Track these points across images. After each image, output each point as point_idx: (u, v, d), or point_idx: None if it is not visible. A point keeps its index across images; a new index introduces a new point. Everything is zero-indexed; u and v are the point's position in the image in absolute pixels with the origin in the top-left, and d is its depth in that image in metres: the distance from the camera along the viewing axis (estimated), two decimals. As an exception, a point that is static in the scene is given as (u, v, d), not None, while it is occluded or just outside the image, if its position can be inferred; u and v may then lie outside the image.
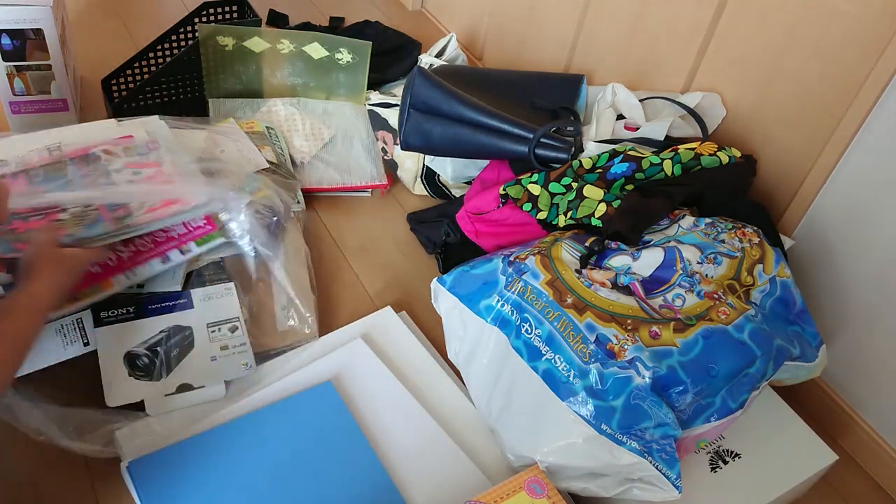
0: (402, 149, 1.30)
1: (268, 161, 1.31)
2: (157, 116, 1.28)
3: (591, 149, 1.18)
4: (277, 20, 1.89)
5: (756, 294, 0.98)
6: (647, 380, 0.87)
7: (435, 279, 1.08)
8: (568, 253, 1.01)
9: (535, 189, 1.11)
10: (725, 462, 0.98)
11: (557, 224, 1.11)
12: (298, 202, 1.34)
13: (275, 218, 1.22)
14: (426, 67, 1.39)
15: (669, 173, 1.11)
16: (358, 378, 1.06)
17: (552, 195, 1.10)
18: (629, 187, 1.11)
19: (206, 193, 1.08)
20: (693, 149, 1.14)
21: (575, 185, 1.09)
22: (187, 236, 1.08)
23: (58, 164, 1.05)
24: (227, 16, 1.61)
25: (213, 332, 1.06)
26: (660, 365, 0.87)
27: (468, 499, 0.87)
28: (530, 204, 1.11)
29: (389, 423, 1.01)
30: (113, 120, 1.29)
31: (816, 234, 1.13)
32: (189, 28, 1.54)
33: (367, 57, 1.50)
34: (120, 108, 1.43)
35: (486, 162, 1.30)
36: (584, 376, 0.89)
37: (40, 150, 1.17)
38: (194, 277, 1.12)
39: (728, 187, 1.13)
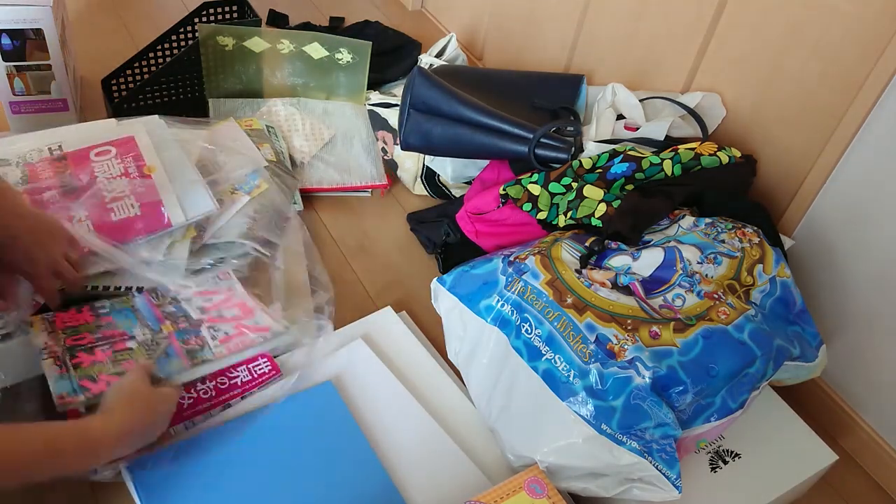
0: (402, 149, 1.30)
1: (267, 160, 1.31)
2: (156, 116, 1.29)
3: (591, 149, 1.18)
4: (277, 20, 1.89)
5: (756, 294, 0.98)
6: (647, 380, 0.87)
7: (435, 279, 1.08)
8: (568, 253, 1.01)
9: (535, 189, 1.11)
10: (725, 462, 0.98)
11: (557, 224, 1.11)
12: (295, 203, 1.34)
13: (274, 218, 1.22)
14: (426, 67, 1.39)
15: (669, 173, 1.11)
16: (358, 378, 1.06)
17: (552, 195, 1.10)
18: (629, 187, 1.11)
19: (281, 324, 1.05)
20: (693, 149, 1.14)
21: (575, 185, 1.09)
22: (251, 383, 1.00)
23: (124, 297, 1.03)
24: (227, 16, 1.61)
25: None
26: (660, 365, 0.87)
27: (468, 499, 0.87)
28: (530, 204, 1.11)
29: (389, 423, 1.01)
30: (113, 120, 1.29)
31: (816, 234, 1.13)
32: (189, 28, 1.54)
33: (367, 57, 1.50)
34: (120, 108, 1.43)
35: (486, 162, 1.30)
36: (584, 376, 0.89)
37: (41, 149, 1.17)
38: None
39: (728, 187, 1.13)
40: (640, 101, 1.28)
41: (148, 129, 1.25)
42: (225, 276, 1.10)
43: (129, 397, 0.86)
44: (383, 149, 1.49)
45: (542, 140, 1.18)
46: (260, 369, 1.02)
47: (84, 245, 1.03)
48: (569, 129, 1.20)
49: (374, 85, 1.58)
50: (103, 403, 0.86)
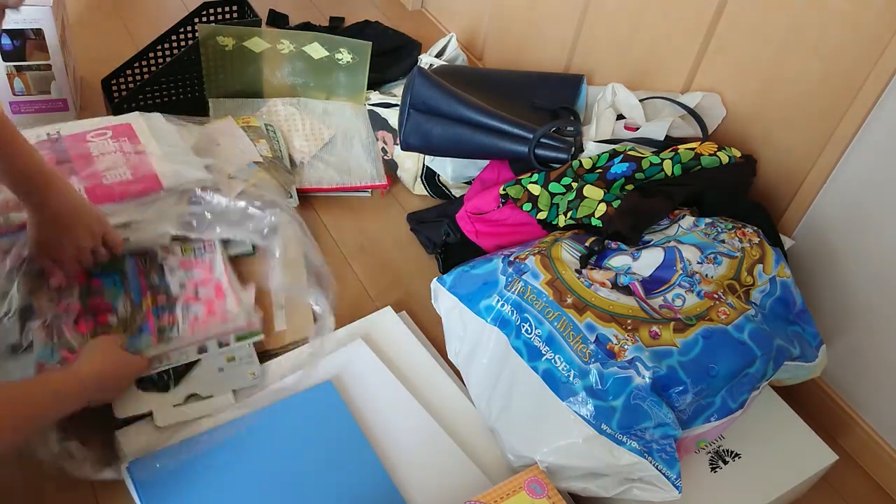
0: (402, 149, 1.30)
1: (262, 155, 1.31)
2: (155, 113, 1.29)
3: (591, 149, 1.18)
4: (277, 20, 1.89)
5: (756, 294, 0.98)
6: (647, 380, 0.86)
7: (435, 279, 1.08)
8: (568, 253, 1.01)
9: (535, 189, 1.11)
10: (725, 462, 0.98)
11: (557, 224, 1.11)
12: (291, 196, 1.34)
13: (269, 213, 1.21)
14: (426, 67, 1.39)
15: (669, 173, 1.11)
16: (358, 378, 1.06)
17: (552, 195, 1.10)
18: (629, 187, 1.11)
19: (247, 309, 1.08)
20: (693, 149, 1.14)
21: (575, 185, 1.09)
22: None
23: (114, 260, 1.07)
24: (227, 16, 1.61)
25: (220, 342, 1.05)
26: (660, 365, 0.87)
27: (468, 499, 0.87)
28: (530, 204, 1.11)
29: (389, 423, 1.01)
30: (110, 116, 1.29)
31: (816, 234, 1.13)
32: (189, 28, 1.54)
33: (367, 57, 1.50)
34: (120, 108, 1.43)
35: (486, 162, 1.30)
36: (584, 376, 0.89)
37: (40, 135, 1.18)
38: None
39: (728, 187, 1.13)
40: (640, 101, 1.28)
41: (145, 120, 1.26)
42: (210, 247, 1.11)
43: (102, 352, 0.95)
44: (383, 149, 1.49)
45: (542, 140, 1.18)
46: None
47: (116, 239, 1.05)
48: (569, 129, 1.20)
49: (374, 85, 1.58)
50: (82, 354, 0.94)
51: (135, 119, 1.25)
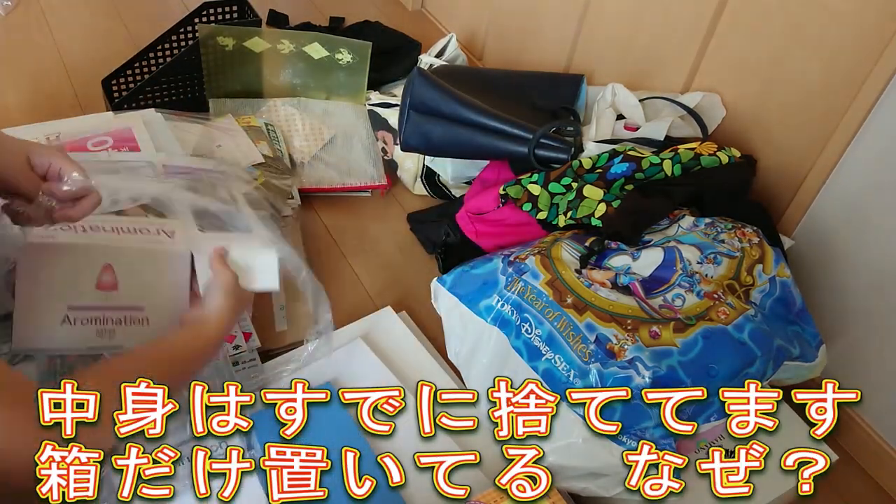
0: (402, 149, 1.30)
1: (263, 155, 1.31)
2: (152, 109, 1.29)
3: (591, 149, 1.18)
4: (277, 20, 1.89)
5: (756, 294, 0.98)
6: (647, 380, 0.87)
7: (435, 279, 1.08)
8: (568, 253, 1.01)
9: (535, 189, 1.11)
10: (725, 462, 0.98)
11: (557, 224, 1.11)
12: (292, 196, 1.34)
13: (270, 213, 1.21)
14: (426, 67, 1.39)
15: (669, 173, 1.11)
16: (358, 378, 1.06)
17: (552, 195, 1.10)
18: (629, 187, 1.11)
19: None
20: (693, 149, 1.14)
21: (575, 185, 1.09)
22: None
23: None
24: (227, 16, 1.61)
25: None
26: (660, 365, 0.87)
27: (468, 499, 0.87)
28: (530, 204, 1.11)
29: (389, 423, 1.01)
30: (110, 113, 1.29)
31: (816, 234, 1.13)
32: (189, 28, 1.54)
33: (367, 57, 1.50)
34: (120, 108, 1.43)
35: (486, 162, 1.30)
36: (584, 376, 0.89)
37: (39, 139, 1.18)
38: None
39: (728, 187, 1.13)
40: (640, 101, 1.28)
41: (145, 121, 1.25)
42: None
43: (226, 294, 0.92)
44: (383, 149, 1.49)
45: (542, 140, 1.18)
46: None
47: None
48: (569, 129, 1.20)
49: (374, 85, 1.58)
50: (206, 299, 0.92)
51: (135, 123, 1.24)
